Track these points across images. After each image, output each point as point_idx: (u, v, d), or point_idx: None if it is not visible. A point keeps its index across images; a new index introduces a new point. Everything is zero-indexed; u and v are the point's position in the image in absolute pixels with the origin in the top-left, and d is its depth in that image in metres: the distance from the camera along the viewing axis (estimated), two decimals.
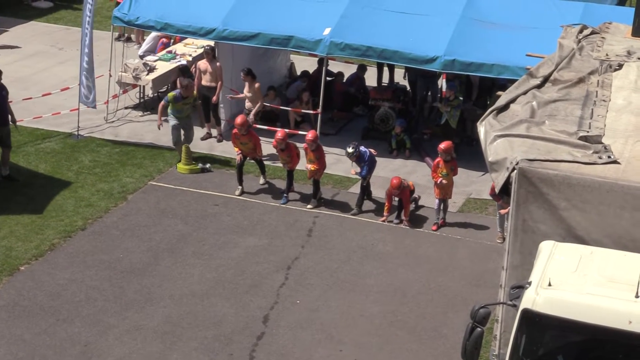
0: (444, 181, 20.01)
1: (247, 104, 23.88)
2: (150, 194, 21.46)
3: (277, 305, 17.74)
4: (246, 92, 23.79)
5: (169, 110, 23.10)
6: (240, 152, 21.75)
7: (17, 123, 22.19)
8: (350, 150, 20.68)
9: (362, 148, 21.13)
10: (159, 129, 23.68)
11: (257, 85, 23.72)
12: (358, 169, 21.30)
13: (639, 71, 16.20)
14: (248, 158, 22.11)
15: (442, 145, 20.04)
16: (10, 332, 16.64)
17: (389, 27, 23.08)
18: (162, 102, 23.42)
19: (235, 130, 21.51)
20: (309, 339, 16.82)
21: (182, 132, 23.12)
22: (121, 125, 25.09)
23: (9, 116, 21.70)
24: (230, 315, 17.28)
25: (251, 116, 23.51)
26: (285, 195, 21.56)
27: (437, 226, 20.45)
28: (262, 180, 22.21)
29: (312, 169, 21.12)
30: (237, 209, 20.63)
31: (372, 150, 21.42)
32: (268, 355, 16.35)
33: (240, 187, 21.75)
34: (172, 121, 23.02)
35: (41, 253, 19.10)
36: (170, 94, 23.33)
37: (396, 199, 20.74)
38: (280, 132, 21.33)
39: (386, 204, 20.72)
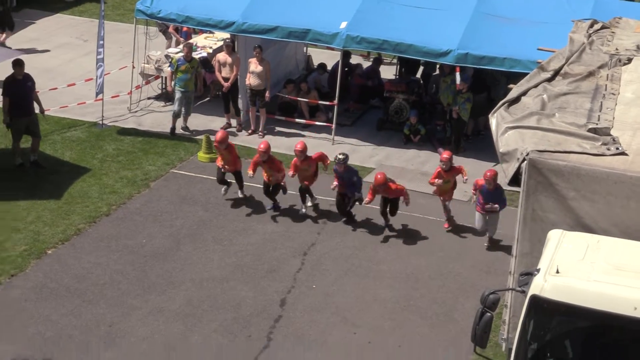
0: (439, 181, 19.71)
1: (253, 82, 23.85)
2: (172, 182, 21.61)
3: (294, 289, 17.87)
4: (254, 68, 23.74)
5: (175, 83, 23.91)
6: (221, 163, 20.76)
7: (45, 112, 22.29)
8: (340, 157, 19.86)
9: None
10: (170, 92, 24.74)
11: (267, 66, 23.83)
12: (335, 183, 20.12)
13: None
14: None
15: (444, 155, 19.79)
16: (39, 313, 16.79)
17: (404, 21, 23.08)
18: (170, 69, 24.41)
19: (215, 144, 20.84)
20: (324, 321, 16.93)
21: (182, 106, 23.91)
22: (144, 115, 25.22)
23: (37, 106, 21.83)
24: (249, 298, 17.43)
25: (267, 95, 23.93)
26: (273, 204, 20.77)
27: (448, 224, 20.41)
28: (240, 194, 21.12)
29: (307, 184, 20.46)
30: (255, 197, 20.77)
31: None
32: (285, 337, 16.45)
33: (224, 191, 21.04)
34: (177, 94, 23.75)
35: (67, 237, 19.24)
36: (174, 58, 24.09)
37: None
38: (263, 144, 20.33)
39: (368, 196, 19.71)
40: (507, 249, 15.36)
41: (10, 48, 27.36)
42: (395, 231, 19.93)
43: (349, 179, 19.88)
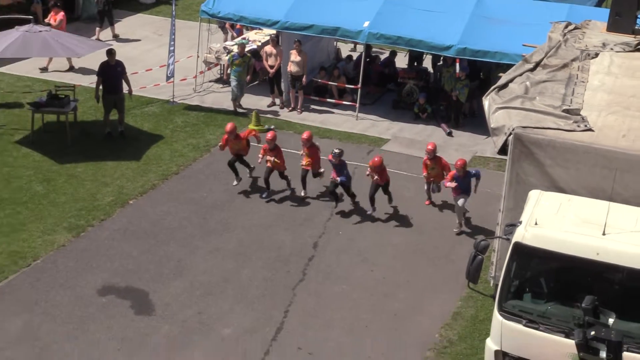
0: (429, 172, 18.78)
1: (293, 69, 23.65)
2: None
3: (324, 234, 17.85)
4: (294, 58, 23.60)
5: (231, 72, 23.79)
6: (232, 151, 19.54)
7: (132, 93, 22.23)
8: (336, 151, 18.52)
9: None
10: (225, 78, 25.44)
11: (305, 56, 23.68)
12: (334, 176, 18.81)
13: (611, 59, 16.11)
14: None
15: (428, 147, 18.58)
16: (123, 250, 16.89)
17: (415, 21, 22.90)
18: (227, 62, 24.64)
19: (225, 136, 19.49)
20: (348, 261, 16.91)
21: (238, 92, 23.68)
22: (206, 94, 25.11)
23: (125, 87, 21.82)
24: (288, 241, 17.40)
25: (304, 79, 23.78)
26: (267, 191, 19.35)
27: (430, 202, 19.32)
28: (248, 175, 19.92)
29: (306, 162, 19.16)
30: (295, 161, 20.70)
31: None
32: (317, 273, 16.47)
33: (236, 181, 19.59)
34: (233, 82, 23.60)
35: (145, 191, 19.30)
36: (231, 55, 24.07)
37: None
38: (270, 133, 19.26)
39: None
40: (496, 205, 15.16)
41: (101, 40, 27.48)
42: (407, 189, 19.80)
43: (341, 171, 18.60)
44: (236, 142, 19.37)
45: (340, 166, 18.58)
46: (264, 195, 19.28)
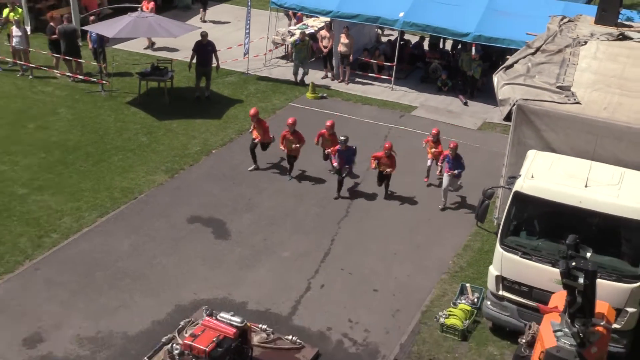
0: (432, 149, 17.64)
1: (342, 49, 23.45)
2: (289, 112, 21.28)
3: (363, 182, 17.78)
4: (343, 40, 23.38)
5: (293, 55, 23.72)
6: (255, 136, 17.89)
7: (215, 66, 22.09)
8: (342, 138, 16.58)
9: (350, 145, 16.89)
10: (289, 57, 24.88)
11: (352, 39, 23.44)
12: (335, 165, 17.00)
13: (597, 46, 15.83)
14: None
15: (433, 131, 17.59)
16: (206, 189, 17.05)
17: (440, 13, 22.49)
18: (290, 44, 24.54)
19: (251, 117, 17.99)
20: (381, 203, 16.80)
21: (300, 68, 23.45)
22: (273, 68, 24.93)
23: (214, 62, 21.76)
24: (334, 187, 17.31)
25: (351, 57, 23.60)
26: (290, 174, 17.77)
27: (427, 179, 17.90)
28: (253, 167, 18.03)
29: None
30: (339, 123, 20.66)
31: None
32: (357, 211, 16.53)
33: (254, 165, 18.01)
34: (295, 61, 23.47)
35: (224, 143, 19.37)
36: (293, 39, 23.95)
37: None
38: (290, 119, 17.40)
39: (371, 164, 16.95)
40: (501, 161, 15.04)
41: (192, 25, 27.46)
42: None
43: (348, 157, 16.79)
44: (259, 126, 17.83)
45: (347, 152, 16.75)
46: (288, 179, 17.65)
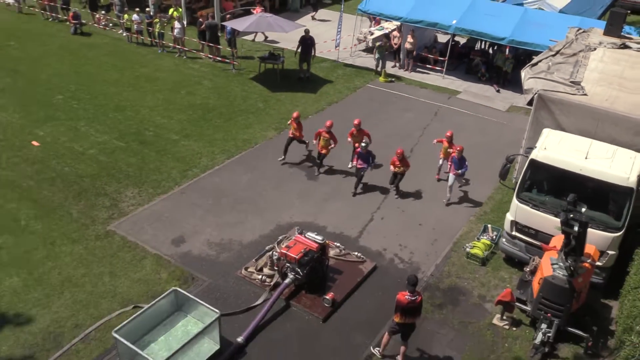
0: (446, 148, 15.19)
1: (408, 46, 22.96)
2: (366, 91, 21.24)
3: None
4: (409, 39, 22.91)
5: (375, 51, 22.96)
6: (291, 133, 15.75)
7: (313, 55, 21.95)
8: (363, 144, 14.31)
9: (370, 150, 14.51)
10: (369, 53, 24.01)
11: (415, 39, 22.96)
12: (354, 164, 14.75)
13: (604, 52, 15.14)
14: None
15: (447, 134, 15.08)
16: (275, 156, 16.80)
17: (483, 21, 21.66)
18: (373, 45, 23.67)
19: (292, 120, 15.63)
20: (419, 177, 16.51)
21: (380, 62, 22.77)
22: (357, 58, 24.56)
23: (313, 52, 21.58)
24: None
25: (414, 53, 22.93)
26: (318, 169, 15.44)
27: (439, 176, 15.61)
28: (307, 149, 16.34)
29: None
30: (402, 100, 20.42)
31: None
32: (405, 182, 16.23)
33: (284, 156, 15.82)
34: (377, 55, 22.85)
35: (317, 111, 19.16)
36: (378, 43, 23.14)
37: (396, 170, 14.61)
38: (328, 122, 15.14)
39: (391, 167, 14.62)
40: (521, 135, 14.58)
41: (297, 23, 27.36)
42: (464, 127, 19.11)
43: (367, 159, 14.42)
44: (297, 126, 15.63)
45: (367, 155, 14.46)
46: (316, 173, 15.44)
